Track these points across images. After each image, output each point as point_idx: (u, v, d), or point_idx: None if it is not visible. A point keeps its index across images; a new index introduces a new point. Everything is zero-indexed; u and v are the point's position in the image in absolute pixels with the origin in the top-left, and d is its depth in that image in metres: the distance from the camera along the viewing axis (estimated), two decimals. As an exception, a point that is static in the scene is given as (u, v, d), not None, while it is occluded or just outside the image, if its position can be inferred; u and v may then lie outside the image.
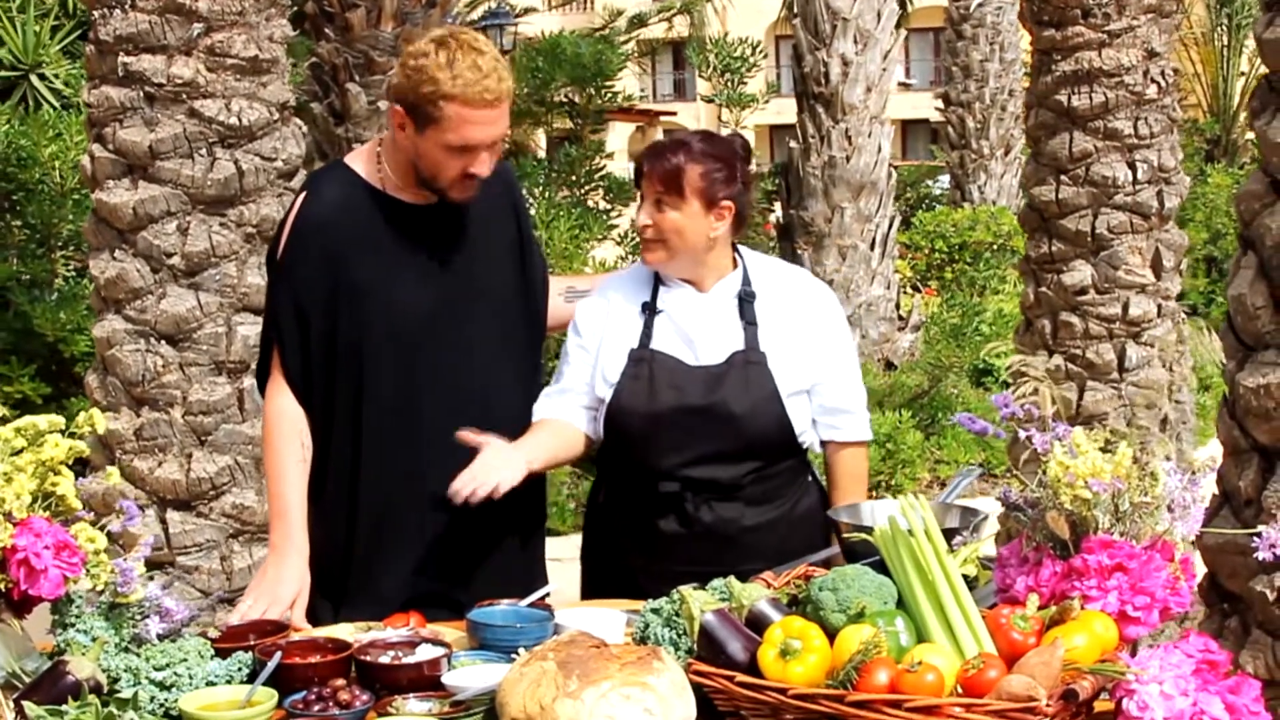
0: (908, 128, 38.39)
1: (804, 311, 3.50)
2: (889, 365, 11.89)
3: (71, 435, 2.62)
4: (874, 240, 12.23)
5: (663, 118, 35.18)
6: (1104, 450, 2.68)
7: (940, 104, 20.47)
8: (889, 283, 12.39)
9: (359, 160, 3.44)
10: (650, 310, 3.48)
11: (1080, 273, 6.20)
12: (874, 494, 8.78)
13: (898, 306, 12.47)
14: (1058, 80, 6.20)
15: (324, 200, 3.38)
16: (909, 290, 15.04)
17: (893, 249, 12.55)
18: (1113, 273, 6.15)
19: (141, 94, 4.92)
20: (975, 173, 19.54)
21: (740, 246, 3.57)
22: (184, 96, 4.93)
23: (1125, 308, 6.17)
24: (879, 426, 9.16)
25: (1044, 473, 2.68)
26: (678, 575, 2.95)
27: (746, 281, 3.49)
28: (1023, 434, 2.73)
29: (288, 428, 3.36)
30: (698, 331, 3.44)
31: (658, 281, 3.50)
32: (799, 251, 12.18)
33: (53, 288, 8.10)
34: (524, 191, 10.34)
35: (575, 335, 3.53)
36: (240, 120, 4.98)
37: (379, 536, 3.42)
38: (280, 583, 3.25)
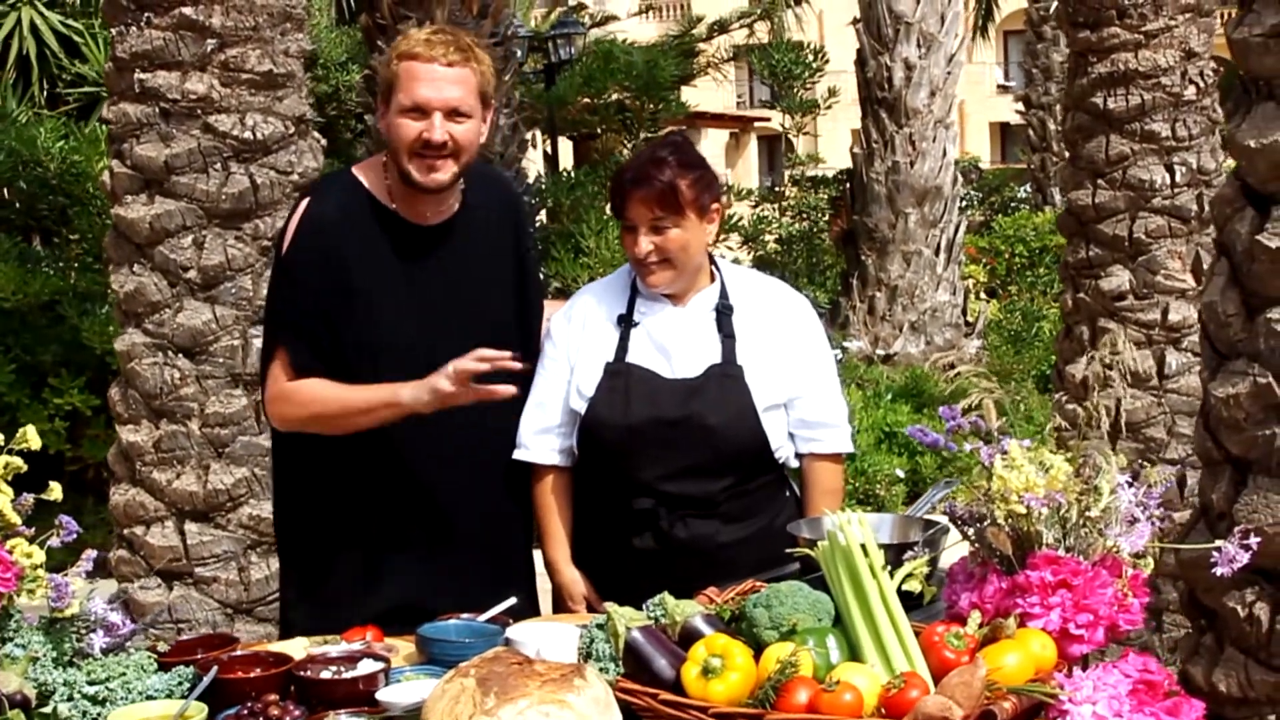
0: (1006, 131, 37.86)
1: (782, 325, 3.45)
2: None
3: (10, 452, 2.64)
4: (939, 246, 12.09)
5: (757, 124, 34.94)
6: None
7: (1021, 107, 20.18)
8: (955, 288, 12.24)
9: (366, 170, 3.44)
10: (626, 323, 3.44)
11: (1118, 278, 6.07)
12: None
13: (964, 312, 12.31)
14: (1094, 82, 6.07)
15: (327, 204, 3.38)
16: (982, 296, 14.83)
17: (959, 254, 12.40)
18: (1151, 278, 6.01)
19: (157, 110, 4.95)
20: (1056, 175, 19.26)
21: (717, 260, 3.53)
22: (199, 112, 4.95)
23: (1165, 313, 6.03)
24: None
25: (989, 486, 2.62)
26: (653, 592, 2.88)
27: (724, 294, 3.44)
28: (969, 447, 2.68)
29: (310, 381, 3.33)
30: (674, 344, 3.39)
31: (634, 293, 3.46)
32: (863, 258, 12.09)
33: (104, 300, 8.18)
34: (576, 200, 10.39)
35: (550, 346, 3.49)
36: (255, 134, 5.00)
37: (366, 555, 3.42)
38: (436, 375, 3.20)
